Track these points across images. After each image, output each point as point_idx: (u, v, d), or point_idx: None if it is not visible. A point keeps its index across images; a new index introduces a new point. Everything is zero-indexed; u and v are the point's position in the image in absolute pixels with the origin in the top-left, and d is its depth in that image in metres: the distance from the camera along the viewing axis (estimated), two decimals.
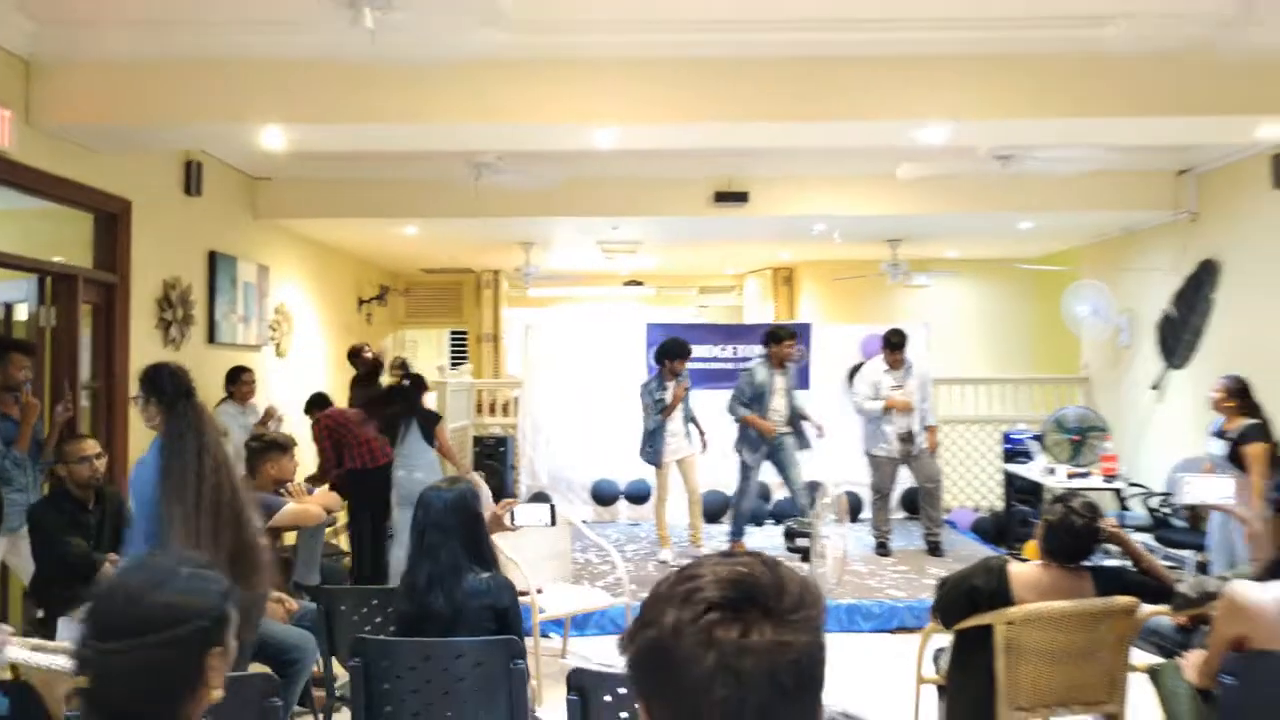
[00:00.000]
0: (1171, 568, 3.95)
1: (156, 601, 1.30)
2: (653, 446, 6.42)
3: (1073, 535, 3.01)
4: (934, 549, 6.60)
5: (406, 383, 5.82)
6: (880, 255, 9.24)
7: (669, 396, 6.39)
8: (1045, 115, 4.47)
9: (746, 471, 6.50)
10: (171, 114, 4.46)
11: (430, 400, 6.17)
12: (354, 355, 7.38)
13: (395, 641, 2.42)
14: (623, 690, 2.17)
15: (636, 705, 0.99)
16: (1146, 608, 3.20)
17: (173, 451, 2.63)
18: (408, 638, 2.45)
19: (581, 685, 2.20)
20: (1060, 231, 8.64)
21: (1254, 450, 4.54)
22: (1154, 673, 2.93)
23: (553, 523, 2.96)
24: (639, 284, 12.22)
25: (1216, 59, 4.04)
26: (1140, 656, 3.20)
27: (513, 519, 3.00)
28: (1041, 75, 4.40)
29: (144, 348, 5.39)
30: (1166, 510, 6.63)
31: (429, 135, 4.77)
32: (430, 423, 5.68)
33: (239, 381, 5.69)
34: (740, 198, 7.13)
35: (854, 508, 7.57)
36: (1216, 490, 3.82)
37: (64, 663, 2.23)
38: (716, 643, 0.90)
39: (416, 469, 5.52)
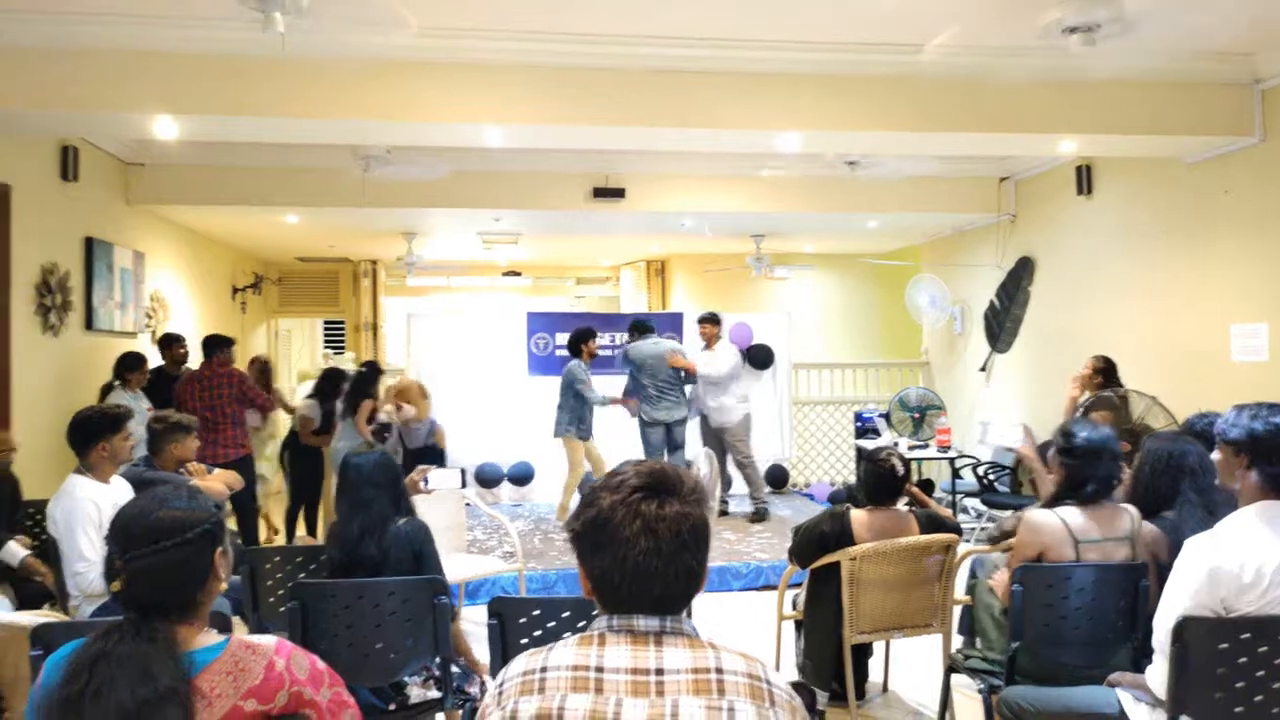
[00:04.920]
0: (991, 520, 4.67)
1: (164, 516, 1.61)
2: (584, 422, 7.01)
3: (882, 479, 3.62)
4: (753, 515, 7.28)
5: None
6: (745, 249, 9.85)
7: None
8: (877, 128, 5.10)
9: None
10: (61, 100, 4.47)
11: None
12: (168, 343, 6.64)
13: (332, 584, 2.73)
14: (536, 612, 2.57)
15: (579, 570, 1.41)
16: (964, 546, 3.85)
17: None
18: (342, 579, 2.76)
19: (500, 611, 2.59)
20: (903, 230, 9.46)
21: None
22: (970, 590, 3.55)
23: (464, 485, 3.31)
24: (517, 274, 12.48)
25: (1017, 83, 4.78)
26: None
27: (426, 484, 3.34)
28: (872, 93, 5.03)
29: (24, 334, 5.34)
30: (992, 477, 7.54)
31: (324, 130, 4.94)
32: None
33: (139, 369, 5.75)
34: (618, 193, 7.50)
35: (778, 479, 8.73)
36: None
37: (26, 621, 2.42)
38: (641, 513, 1.33)
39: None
